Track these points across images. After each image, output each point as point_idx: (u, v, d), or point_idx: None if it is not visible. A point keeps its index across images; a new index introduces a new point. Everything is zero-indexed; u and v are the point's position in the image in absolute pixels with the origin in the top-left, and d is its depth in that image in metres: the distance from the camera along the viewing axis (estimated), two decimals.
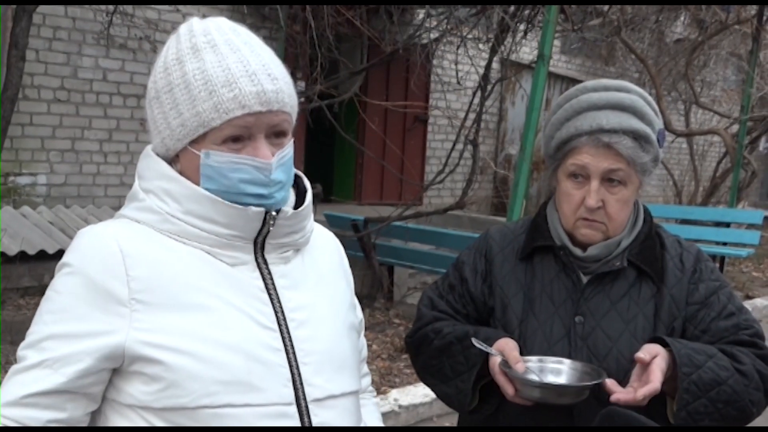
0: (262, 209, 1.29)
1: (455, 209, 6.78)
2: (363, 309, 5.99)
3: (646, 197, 13.13)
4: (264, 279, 1.32)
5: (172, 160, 1.33)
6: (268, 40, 7.73)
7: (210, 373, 1.23)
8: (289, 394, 1.28)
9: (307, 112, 6.53)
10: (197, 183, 1.30)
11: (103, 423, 1.31)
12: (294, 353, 1.30)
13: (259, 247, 1.32)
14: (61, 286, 1.26)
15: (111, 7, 6.96)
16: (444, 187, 9.10)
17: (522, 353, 1.61)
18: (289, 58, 7.16)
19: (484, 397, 1.68)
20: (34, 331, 1.27)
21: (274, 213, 1.30)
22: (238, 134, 1.26)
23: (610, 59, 12.23)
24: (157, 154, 1.35)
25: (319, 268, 1.42)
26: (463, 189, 6.72)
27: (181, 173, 1.31)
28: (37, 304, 5.98)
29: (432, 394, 4.63)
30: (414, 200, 7.64)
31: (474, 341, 1.60)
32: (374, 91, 8.80)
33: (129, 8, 7.28)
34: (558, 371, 1.59)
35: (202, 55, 1.26)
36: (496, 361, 1.57)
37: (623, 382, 1.54)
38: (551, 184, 1.76)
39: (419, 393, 4.69)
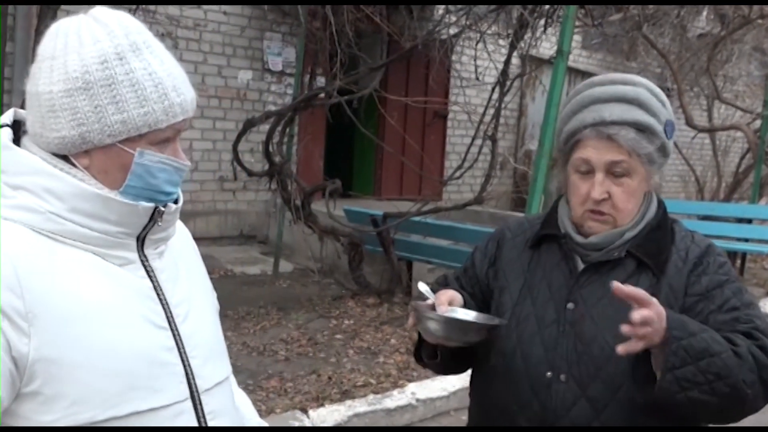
0: (152, 204, 1.30)
1: (474, 204, 6.79)
2: (381, 303, 5.98)
3: (668, 193, 13.05)
4: (150, 277, 1.33)
5: (76, 156, 1.27)
6: (289, 36, 7.82)
7: (115, 381, 1.22)
8: (185, 390, 1.32)
9: (327, 107, 6.57)
10: (112, 180, 1.28)
11: None
12: (183, 349, 1.33)
13: (139, 243, 1.33)
14: None
15: (133, 5, 7.03)
16: (463, 182, 9.11)
17: (514, 335, 1.70)
18: (309, 54, 7.21)
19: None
20: None
21: (162, 208, 1.32)
22: (172, 137, 1.31)
23: (632, 54, 12.15)
24: (45, 145, 1.27)
25: (183, 257, 1.45)
26: (481, 185, 6.73)
27: (87, 169, 1.27)
28: None
29: (449, 388, 4.69)
30: (433, 195, 7.66)
31: (420, 286, 1.70)
32: (394, 87, 8.83)
33: (151, 5, 7.36)
34: (466, 315, 1.69)
35: (144, 54, 1.26)
36: (423, 303, 1.66)
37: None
38: (563, 177, 1.79)
39: (436, 387, 4.72)
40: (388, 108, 8.02)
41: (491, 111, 6.57)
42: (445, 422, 4.61)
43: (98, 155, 1.27)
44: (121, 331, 1.25)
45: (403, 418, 4.46)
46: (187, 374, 1.32)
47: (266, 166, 6.89)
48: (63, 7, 5.27)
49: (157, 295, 1.33)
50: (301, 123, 8.18)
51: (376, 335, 5.83)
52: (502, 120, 6.97)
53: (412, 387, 4.69)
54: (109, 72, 1.24)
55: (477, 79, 7.13)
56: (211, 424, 1.35)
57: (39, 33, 4.85)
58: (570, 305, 1.69)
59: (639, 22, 8.48)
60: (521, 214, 9.21)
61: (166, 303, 1.34)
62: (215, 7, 8.48)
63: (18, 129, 1.32)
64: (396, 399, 4.50)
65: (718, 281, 1.68)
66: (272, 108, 8.36)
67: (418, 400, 4.56)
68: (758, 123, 10.30)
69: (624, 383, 1.60)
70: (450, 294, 1.68)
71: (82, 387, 1.19)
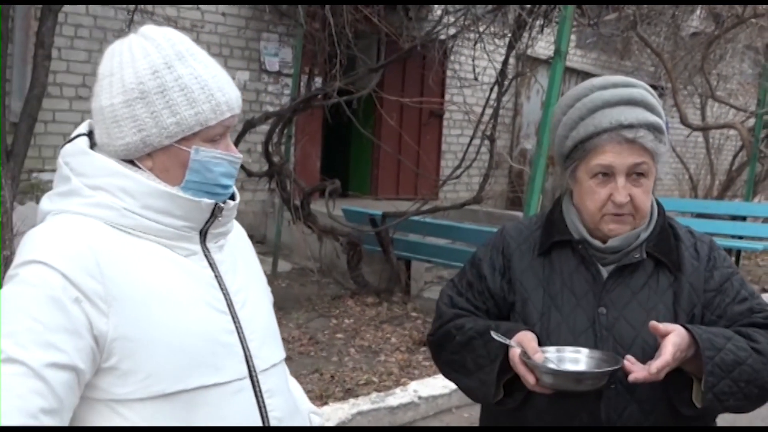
0: (212, 201, 1.44)
1: (473, 204, 6.83)
2: (381, 303, 6.04)
3: (662, 191, 13.12)
4: (212, 267, 1.47)
5: (140, 159, 1.42)
6: (285, 36, 7.80)
7: (183, 358, 1.36)
8: (244, 369, 1.44)
9: (327, 108, 6.60)
10: (173, 177, 1.42)
11: (73, 420, 1.35)
12: (242, 332, 1.46)
13: (202, 237, 1.47)
14: (39, 280, 1.28)
15: (132, 6, 7.05)
16: (459, 181, 9.15)
17: (542, 345, 1.66)
18: (307, 54, 7.24)
19: (508, 391, 1.73)
20: (22, 328, 1.26)
21: (221, 205, 1.46)
22: (223, 132, 1.45)
23: (626, 53, 12.21)
24: (112, 152, 1.41)
25: (241, 253, 1.59)
26: (480, 184, 6.78)
27: (150, 170, 1.42)
28: None
29: (451, 386, 4.73)
30: (431, 195, 7.70)
31: (493, 334, 1.65)
32: (390, 87, 8.85)
33: (149, 6, 7.38)
34: (576, 360, 1.65)
35: (189, 61, 1.41)
36: (516, 352, 1.62)
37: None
38: (567, 183, 1.80)
39: (438, 384, 4.76)
40: (385, 108, 8.05)
41: (489, 110, 6.61)
42: (447, 419, 4.65)
43: (159, 156, 1.42)
44: (188, 314, 1.39)
45: (406, 415, 4.50)
46: (245, 355, 1.45)
47: (264, 167, 6.91)
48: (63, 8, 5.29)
49: (218, 283, 1.46)
50: (298, 123, 8.20)
51: (377, 334, 5.87)
52: (498, 119, 7.01)
53: (414, 385, 4.73)
54: (160, 80, 1.38)
55: (475, 79, 7.17)
56: (268, 401, 1.47)
57: (41, 35, 4.86)
58: (602, 310, 1.71)
59: (634, 21, 8.53)
60: (518, 213, 9.26)
61: (226, 291, 1.47)
62: (212, 8, 8.49)
63: (92, 138, 1.46)
64: (399, 397, 4.54)
65: (727, 274, 1.75)
66: (269, 108, 8.39)
67: (420, 397, 4.61)
68: (752, 121, 10.39)
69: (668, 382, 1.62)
70: (531, 337, 1.65)
71: (154, 362, 1.34)
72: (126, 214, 1.38)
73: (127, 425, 1.33)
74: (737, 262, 8.92)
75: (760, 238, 9.01)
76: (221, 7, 8.56)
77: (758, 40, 10.86)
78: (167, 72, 1.39)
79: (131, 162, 1.42)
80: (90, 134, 1.46)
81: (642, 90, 1.70)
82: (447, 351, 1.82)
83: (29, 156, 5.80)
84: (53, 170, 6.08)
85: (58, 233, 1.34)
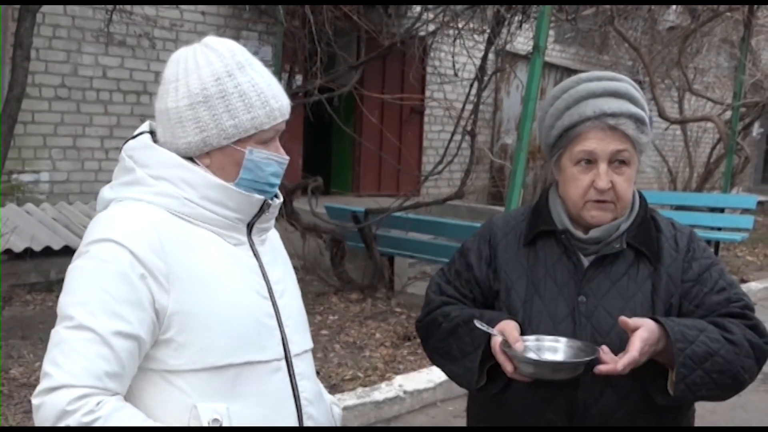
0: (263, 197, 1.58)
1: (455, 199, 6.87)
2: (365, 299, 6.06)
3: (641, 184, 13.24)
4: (256, 257, 1.61)
5: (199, 157, 1.56)
6: (265, 35, 7.80)
7: (233, 335, 1.50)
8: (281, 351, 1.59)
9: (308, 106, 6.62)
10: (228, 175, 1.56)
11: (129, 389, 1.48)
12: (280, 318, 1.60)
13: (248, 230, 1.61)
14: (110, 257, 1.43)
15: (110, 5, 7.02)
16: (441, 177, 9.20)
17: (525, 333, 1.71)
18: (287, 53, 7.24)
19: (492, 377, 1.78)
20: (93, 298, 1.41)
21: (270, 201, 1.60)
22: (273, 136, 1.58)
23: (604, 48, 12.31)
24: (174, 150, 1.55)
25: (277, 249, 1.74)
26: (461, 179, 6.82)
27: (208, 167, 1.55)
28: (44, 300, 6.07)
29: (435, 380, 4.78)
30: (413, 191, 7.73)
31: (476, 323, 1.70)
32: (370, 84, 8.87)
33: (128, 5, 7.35)
34: (555, 349, 1.70)
35: (248, 71, 1.55)
36: (497, 341, 1.67)
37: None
38: (552, 173, 1.85)
39: (423, 379, 4.80)
40: (366, 105, 8.07)
41: (469, 106, 6.66)
42: (432, 413, 4.69)
43: (216, 155, 1.56)
44: (237, 295, 1.54)
45: (391, 410, 4.54)
46: (282, 339, 1.60)
47: None
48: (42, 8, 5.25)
49: (262, 272, 1.61)
50: None
51: (361, 330, 5.90)
52: (479, 115, 7.05)
53: (399, 379, 4.77)
54: (222, 87, 1.53)
55: (455, 75, 7.21)
56: (300, 383, 1.61)
57: (19, 35, 4.83)
58: (582, 298, 1.75)
59: (611, 16, 8.61)
60: (499, 208, 9.32)
61: (268, 280, 1.62)
62: (191, 7, 8.47)
63: (153, 136, 1.60)
64: (384, 392, 4.58)
65: (706, 265, 1.79)
66: None
67: (405, 392, 4.64)
68: (729, 114, 10.51)
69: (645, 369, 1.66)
70: (513, 326, 1.69)
71: (208, 337, 1.48)
72: (186, 203, 1.53)
73: (179, 394, 1.46)
74: (716, 253, 9.02)
75: (738, 229, 9.12)
76: (200, 6, 8.54)
77: (734, 34, 11.00)
78: (228, 79, 1.53)
79: (191, 159, 1.55)
80: (151, 133, 1.60)
81: (627, 84, 1.75)
82: (434, 338, 1.87)
83: (9, 157, 5.76)
84: (33, 171, 6.12)
85: (126, 215, 1.49)
